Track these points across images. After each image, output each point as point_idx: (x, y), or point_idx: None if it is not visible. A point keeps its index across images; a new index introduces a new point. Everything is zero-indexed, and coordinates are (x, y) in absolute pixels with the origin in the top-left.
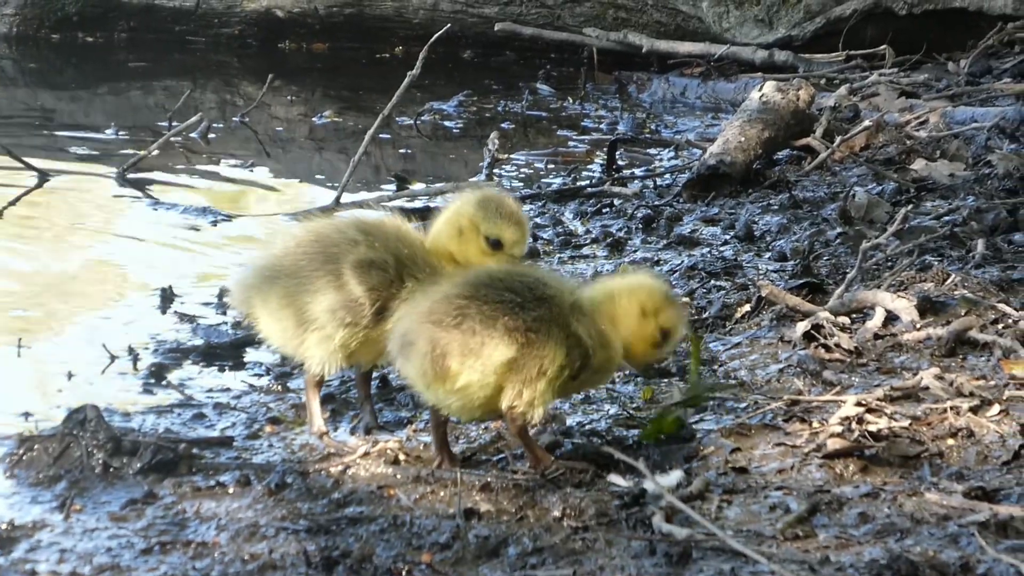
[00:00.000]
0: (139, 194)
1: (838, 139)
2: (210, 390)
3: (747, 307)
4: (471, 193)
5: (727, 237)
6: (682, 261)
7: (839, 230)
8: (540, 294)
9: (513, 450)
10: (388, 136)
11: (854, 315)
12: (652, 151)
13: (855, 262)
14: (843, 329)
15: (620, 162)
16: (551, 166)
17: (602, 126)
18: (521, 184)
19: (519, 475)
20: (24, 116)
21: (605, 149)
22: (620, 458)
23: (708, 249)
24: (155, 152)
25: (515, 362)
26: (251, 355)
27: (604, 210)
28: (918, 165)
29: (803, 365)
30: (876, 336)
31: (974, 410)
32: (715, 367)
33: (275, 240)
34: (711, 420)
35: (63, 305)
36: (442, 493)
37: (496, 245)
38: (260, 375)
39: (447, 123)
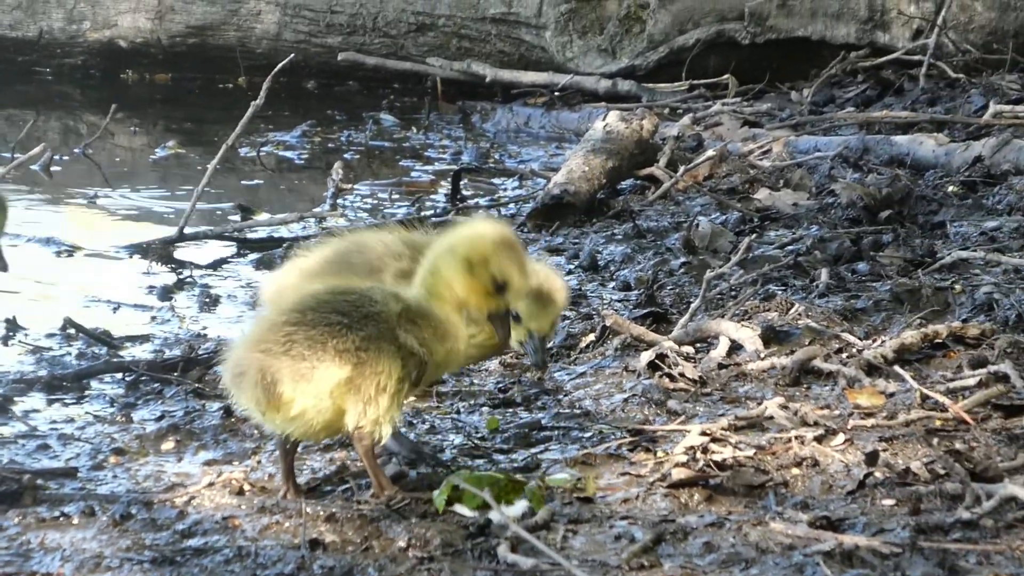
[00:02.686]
0: None
1: (682, 169)
2: (54, 421)
3: (592, 337)
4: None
5: (571, 267)
6: None
7: (683, 259)
8: (367, 312)
9: (358, 480)
10: (232, 167)
11: (698, 345)
12: (496, 181)
13: (699, 291)
14: (687, 359)
15: (464, 192)
16: (395, 196)
17: (446, 156)
18: (366, 215)
19: (364, 505)
20: None
21: (449, 179)
22: (466, 488)
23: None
24: None
25: (351, 382)
26: (95, 386)
27: None
28: (761, 195)
29: (648, 395)
30: (720, 365)
31: (819, 439)
32: (560, 397)
33: (315, 245)
34: (556, 450)
35: None
36: (287, 523)
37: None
38: (104, 406)
39: (290, 154)
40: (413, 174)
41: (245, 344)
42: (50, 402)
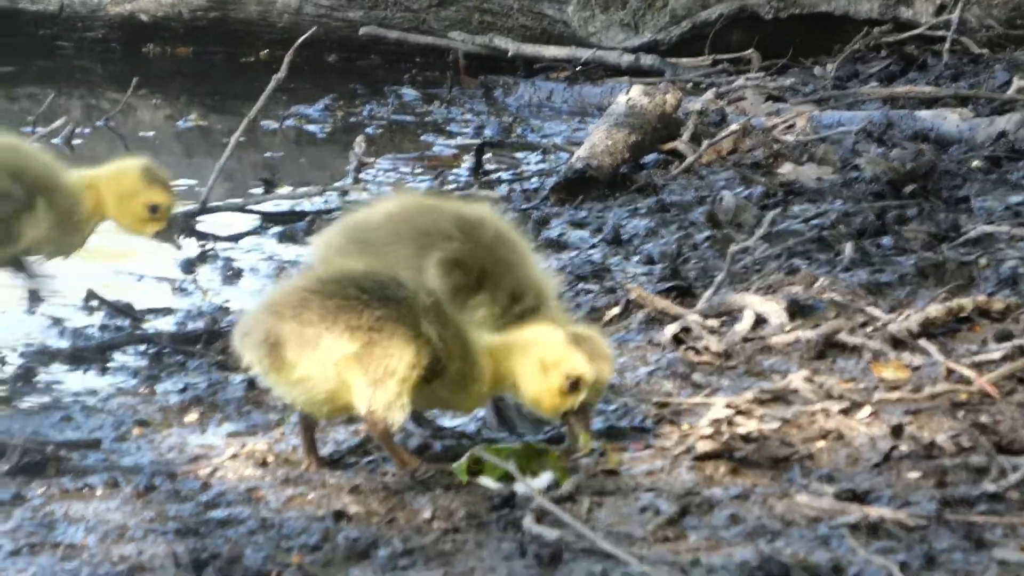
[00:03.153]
0: None
1: (705, 143)
2: (77, 393)
3: (616, 310)
4: None
5: (595, 240)
6: (550, 264)
7: (707, 233)
8: (390, 294)
9: (382, 452)
10: (254, 140)
11: (723, 318)
12: (519, 155)
13: (723, 265)
14: (712, 332)
15: (487, 166)
16: (418, 170)
17: (468, 130)
18: (388, 188)
19: (388, 477)
20: None
21: (472, 153)
22: (491, 460)
23: (576, 252)
24: None
25: (359, 360)
26: (118, 358)
27: None
28: (786, 169)
29: (672, 368)
30: (745, 339)
31: (844, 412)
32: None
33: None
34: None
35: None
36: (311, 495)
37: None
38: (127, 378)
39: (312, 127)
40: (435, 148)
41: (259, 307)
42: (73, 374)
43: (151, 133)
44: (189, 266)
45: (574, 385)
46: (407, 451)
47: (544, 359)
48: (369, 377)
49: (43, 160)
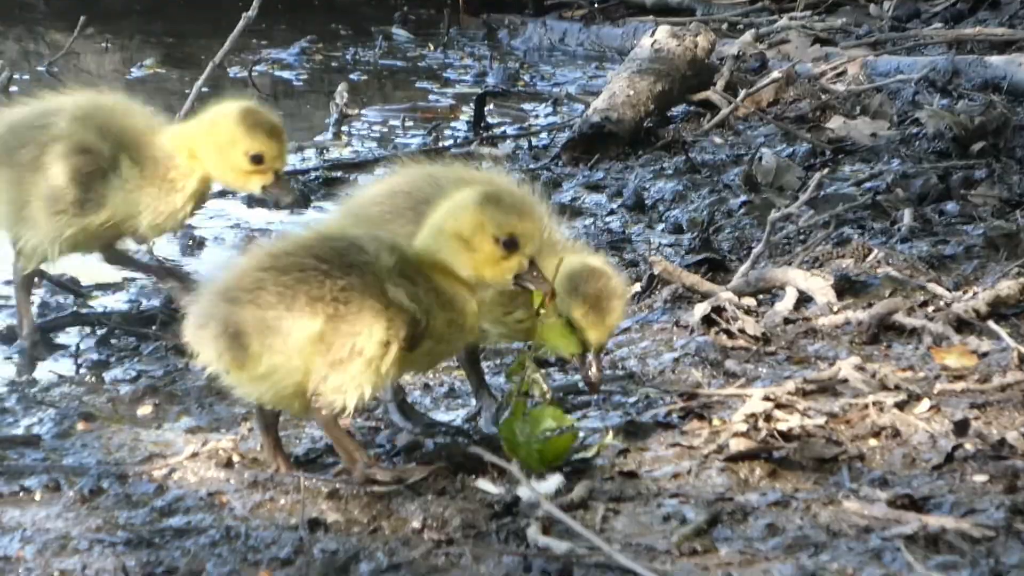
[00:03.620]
0: None
1: (742, 93)
2: (13, 382)
3: (637, 287)
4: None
5: (614, 206)
6: (574, 235)
7: (743, 198)
8: (351, 260)
9: (367, 451)
10: (219, 90)
11: (761, 296)
12: (527, 106)
13: (762, 235)
14: (748, 312)
15: (489, 119)
16: (409, 123)
17: (468, 77)
18: (375, 144)
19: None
20: None
21: (472, 104)
22: (490, 460)
23: (592, 220)
24: None
25: (322, 339)
26: (61, 341)
27: None
28: (835, 123)
29: (702, 354)
30: (786, 320)
31: (900, 406)
32: (600, 355)
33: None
34: (595, 417)
35: None
36: (283, 500)
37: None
38: (71, 364)
39: (287, 74)
40: (430, 98)
41: (211, 294)
42: (8, 359)
43: (99, 82)
44: None
45: (509, 243)
46: (356, 444)
47: (461, 231)
48: (329, 359)
49: (132, 114)
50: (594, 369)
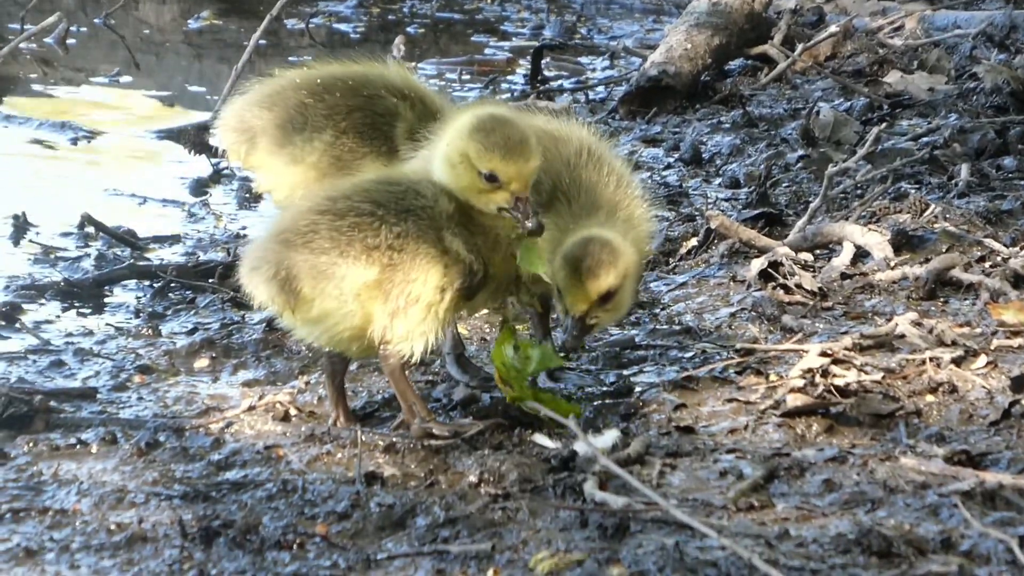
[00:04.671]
0: None
1: (800, 47)
2: (70, 334)
3: (694, 241)
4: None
5: (671, 160)
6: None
7: (800, 152)
8: (408, 205)
9: (426, 404)
10: (276, 43)
11: (818, 251)
12: (583, 60)
13: (819, 190)
14: (805, 267)
15: (546, 72)
16: (466, 77)
17: (525, 30)
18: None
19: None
20: None
21: (529, 57)
22: (547, 415)
23: (649, 174)
24: (3, 59)
25: (379, 287)
26: (117, 294)
27: None
28: (892, 78)
29: (759, 309)
30: (843, 275)
31: (957, 362)
32: (656, 311)
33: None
34: (651, 372)
35: None
36: (340, 455)
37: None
38: (128, 317)
39: (344, 27)
40: (487, 51)
41: (266, 235)
42: (65, 312)
43: (157, 33)
44: (200, 187)
45: (490, 178)
46: (420, 399)
47: (450, 157)
48: (391, 307)
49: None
50: (570, 333)
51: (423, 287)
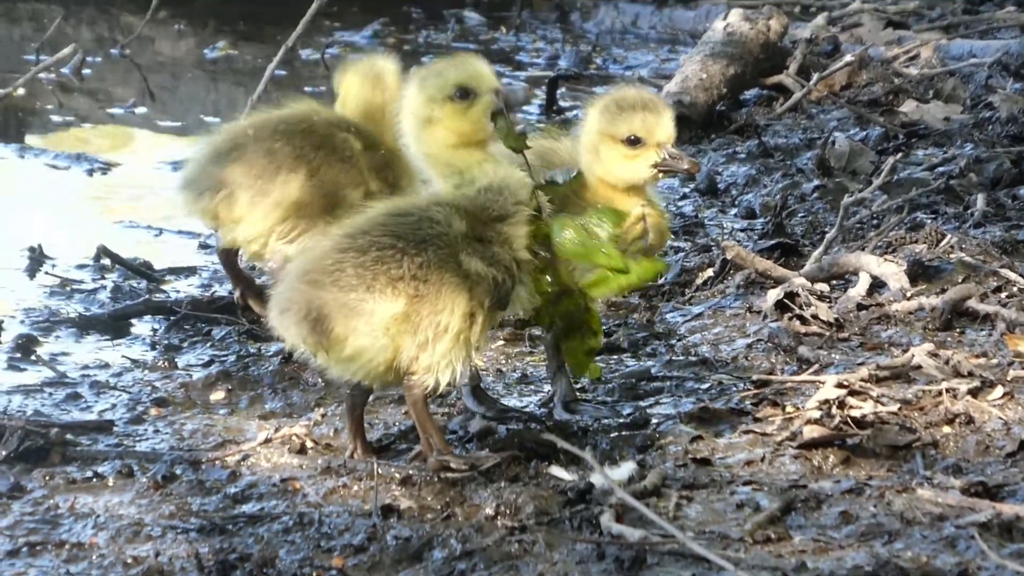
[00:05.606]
0: (1, 139)
1: (815, 76)
2: (86, 367)
3: (710, 272)
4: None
5: (686, 190)
6: None
7: (816, 182)
8: (424, 235)
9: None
10: (292, 73)
11: (834, 282)
12: (599, 89)
13: (835, 220)
14: (821, 298)
15: (562, 102)
16: None
17: (540, 60)
18: None
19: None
20: None
21: (544, 87)
22: (563, 447)
23: (665, 204)
24: (20, 90)
25: (408, 319)
26: (133, 327)
27: None
28: (908, 107)
29: (775, 340)
30: (860, 306)
31: (974, 393)
32: (672, 342)
33: None
34: (668, 403)
35: None
36: (356, 487)
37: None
38: (144, 349)
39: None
40: (503, 81)
41: (292, 276)
42: (82, 345)
43: (173, 64)
44: None
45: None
46: (438, 430)
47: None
48: (418, 339)
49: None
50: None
51: (451, 316)
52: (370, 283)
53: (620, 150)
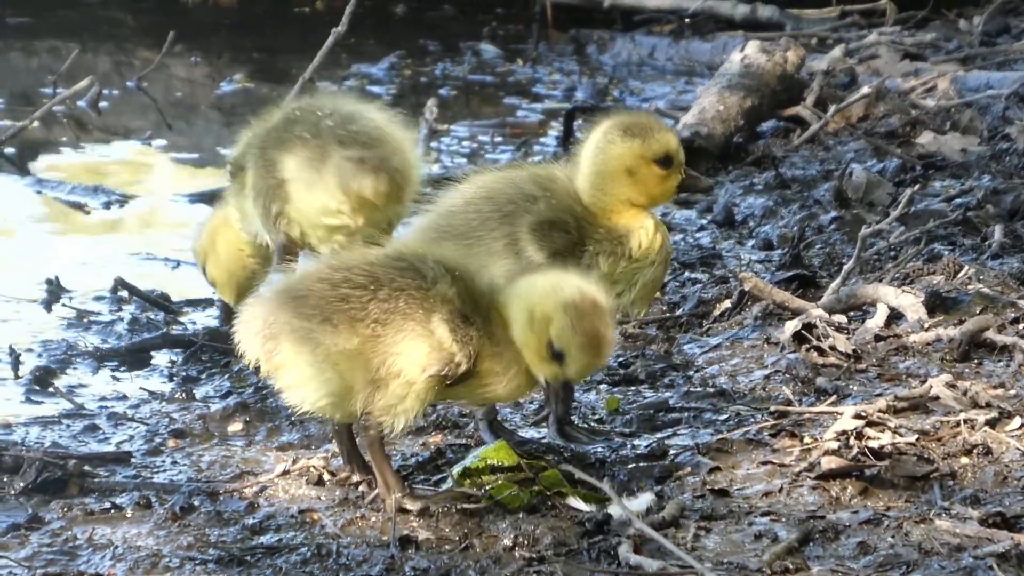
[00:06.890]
0: (18, 171)
1: (832, 108)
2: (104, 398)
3: (727, 303)
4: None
5: (704, 222)
6: None
7: (834, 214)
8: (403, 284)
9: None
10: None
11: (852, 313)
12: None
13: (852, 251)
14: (839, 329)
15: (579, 134)
16: (498, 139)
17: (557, 92)
18: (464, 160)
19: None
20: None
21: (561, 119)
22: (581, 478)
23: (682, 236)
24: (36, 123)
25: (360, 356)
26: (152, 358)
27: None
28: (925, 139)
29: (793, 371)
30: (877, 337)
31: (992, 423)
32: (690, 373)
33: (439, 196)
34: (686, 435)
35: None
36: (374, 518)
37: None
38: (162, 380)
39: (376, 89)
40: (519, 113)
41: (269, 292)
42: (99, 376)
43: (190, 96)
44: None
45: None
46: (393, 472)
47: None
48: (372, 377)
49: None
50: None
51: (405, 361)
52: (327, 315)
53: (655, 171)
